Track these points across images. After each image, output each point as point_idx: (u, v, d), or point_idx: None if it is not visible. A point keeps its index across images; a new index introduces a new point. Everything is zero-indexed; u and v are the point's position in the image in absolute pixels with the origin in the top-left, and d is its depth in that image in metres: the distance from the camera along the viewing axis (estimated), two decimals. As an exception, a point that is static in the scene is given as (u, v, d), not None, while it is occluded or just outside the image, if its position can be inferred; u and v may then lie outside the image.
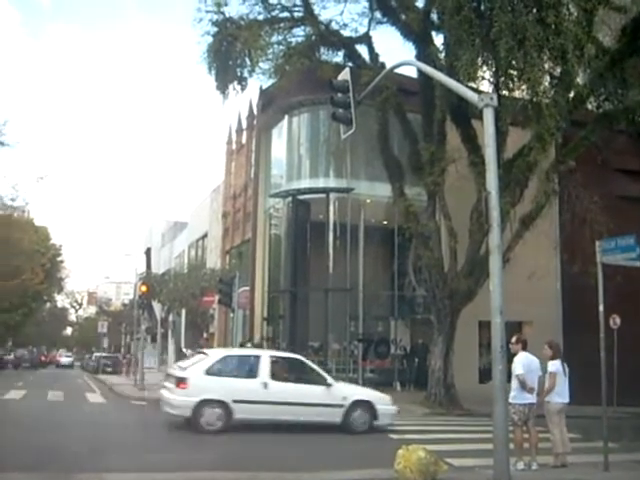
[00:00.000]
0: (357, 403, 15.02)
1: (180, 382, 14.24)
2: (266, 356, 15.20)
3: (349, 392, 15.52)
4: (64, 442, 11.61)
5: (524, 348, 11.38)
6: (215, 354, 15.72)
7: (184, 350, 37.86)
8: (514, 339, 11.41)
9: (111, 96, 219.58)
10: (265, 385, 14.32)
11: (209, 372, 14.45)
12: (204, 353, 16.22)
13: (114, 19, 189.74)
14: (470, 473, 10.50)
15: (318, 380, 15.30)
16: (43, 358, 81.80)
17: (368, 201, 28.02)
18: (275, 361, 15.43)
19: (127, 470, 9.30)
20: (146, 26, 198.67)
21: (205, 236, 45.00)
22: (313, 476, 9.60)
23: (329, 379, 15.54)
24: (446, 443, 13.22)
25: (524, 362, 11.07)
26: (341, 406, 14.92)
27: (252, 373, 14.65)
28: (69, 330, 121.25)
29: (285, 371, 15.64)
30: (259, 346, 25.29)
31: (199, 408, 13.85)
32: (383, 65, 21.24)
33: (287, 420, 14.32)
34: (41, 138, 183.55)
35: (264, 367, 14.64)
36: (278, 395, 14.44)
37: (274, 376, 14.77)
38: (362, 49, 23.10)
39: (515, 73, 17.08)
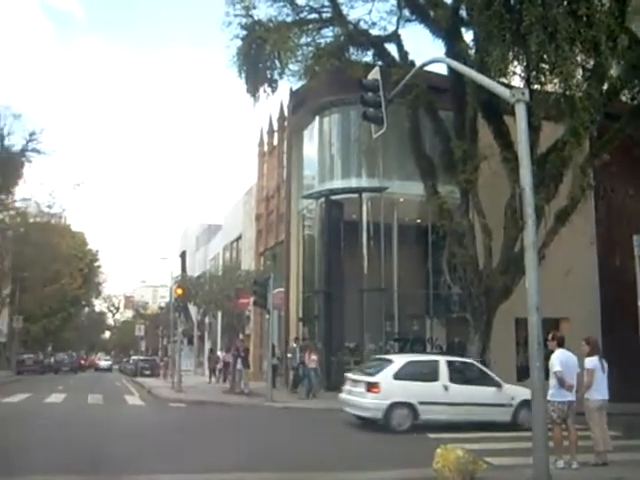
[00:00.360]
0: (524, 403, 15.55)
1: (372, 387, 15.41)
2: (444, 361, 16.19)
3: (517, 393, 16.38)
4: (104, 445, 11.74)
5: (560, 345, 11.25)
6: (400, 360, 16.58)
7: (219, 353, 38.00)
8: (550, 336, 11.28)
9: (145, 101, 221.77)
10: (445, 388, 15.35)
11: (397, 377, 15.62)
12: (388, 360, 17.02)
13: (146, 27, 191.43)
14: (509, 472, 10.40)
15: (490, 382, 16.41)
16: (82, 362, 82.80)
17: (401, 200, 27.92)
18: (452, 365, 16.46)
19: (168, 472, 9.36)
20: (176, 30, 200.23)
21: (239, 238, 45.19)
22: (349, 476, 9.57)
23: (499, 381, 16.54)
24: (484, 442, 13.12)
25: (561, 359, 10.95)
26: (510, 405, 16.06)
27: (433, 377, 15.75)
28: (107, 334, 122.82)
29: (461, 374, 16.58)
30: (304, 348, 25.35)
31: (390, 410, 15.17)
32: (413, 63, 21.12)
33: (464, 419, 15.36)
34: (77, 145, 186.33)
35: (443, 371, 15.77)
36: (456, 396, 15.58)
37: (452, 379, 15.85)
38: (391, 48, 22.99)
39: (547, 67, 16.89)
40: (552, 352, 11.14)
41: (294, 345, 26.96)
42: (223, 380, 34.97)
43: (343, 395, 16.75)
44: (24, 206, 45.21)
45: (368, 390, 15.40)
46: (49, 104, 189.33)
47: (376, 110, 14.15)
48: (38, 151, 40.64)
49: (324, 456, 11.36)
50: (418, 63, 16.96)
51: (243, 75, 23.51)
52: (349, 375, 17.56)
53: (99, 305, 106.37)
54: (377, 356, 19.59)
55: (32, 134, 40.25)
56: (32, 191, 42.19)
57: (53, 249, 49.14)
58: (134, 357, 63.72)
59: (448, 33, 20.71)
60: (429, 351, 27.49)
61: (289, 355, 26.97)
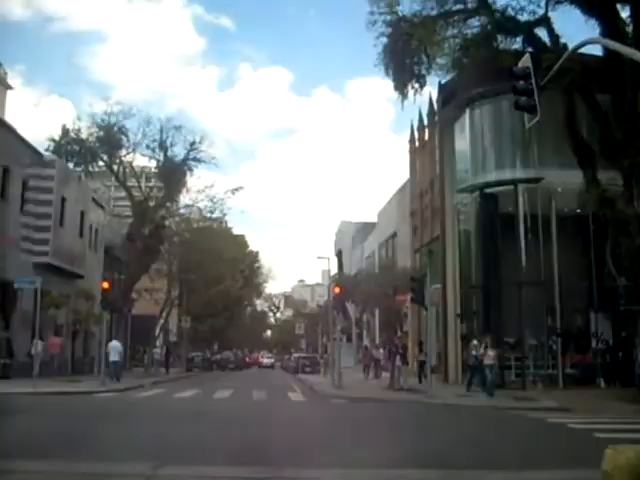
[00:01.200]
0: None
1: None
2: None
3: None
4: (269, 439, 12.06)
5: None
6: None
7: (375, 352, 38.25)
8: None
9: (296, 104, 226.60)
10: None
11: None
12: None
13: (289, 28, 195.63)
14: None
15: None
16: (247, 359, 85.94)
17: (559, 190, 26.98)
18: None
19: (331, 466, 9.47)
20: (320, 30, 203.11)
21: (394, 235, 45.32)
22: (513, 475, 9.32)
23: None
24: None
25: None
26: None
27: None
28: (269, 332, 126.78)
29: None
30: (478, 345, 24.56)
31: None
32: (565, 46, 20.26)
33: None
34: (233, 149, 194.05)
35: None
36: None
37: None
38: (541, 32, 22.19)
39: None
40: None
41: (474, 342, 26.06)
42: (374, 376, 35.78)
43: None
44: (188, 213, 47.57)
45: None
46: (205, 113, 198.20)
47: (529, 98, 13.77)
48: (199, 160, 42.71)
49: (486, 453, 11.14)
50: (570, 46, 16.33)
51: (390, 72, 23.58)
52: None
53: (260, 305, 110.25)
54: None
55: (192, 144, 42.34)
56: (194, 198, 44.15)
57: (216, 252, 51.37)
58: (295, 354, 65.55)
59: (601, 11, 19.76)
60: (594, 347, 26.37)
61: (473, 352, 26.13)
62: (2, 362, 27.74)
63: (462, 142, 30.58)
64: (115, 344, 31.36)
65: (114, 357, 30.45)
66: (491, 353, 22.84)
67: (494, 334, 25.82)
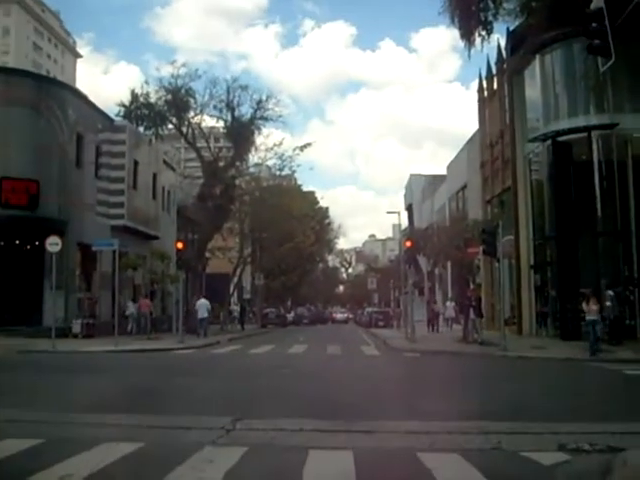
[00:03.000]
0: None
1: None
2: None
3: None
4: (343, 392, 12.23)
5: None
6: None
7: (434, 306, 38.43)
8: None
9: (358, 58, 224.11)
10: None
11: None
12: None
13: None
14: None
15: None
16: (321, 315, 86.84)
17: (635, 135, 26.05)
18: None
19: (407, 418, 9.53)
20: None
21: (464, 187, 44.72)
22: (586, 426, 9.18)
23: None
24: None
25: None
26: None
27: None
28: (341, 288, 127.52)
29: None
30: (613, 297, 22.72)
31: None
32: (642, -16, 19.42)
33: None
34: (298, 108, 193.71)
35: None
36: None
37: None
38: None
39: None
40: None
41: (611, 292, 23.32)
42: (436, 330, 37.60)
43: None
44: (257, 171, 47.86)
45: None
46: (270, 72, 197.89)
47: (602, 41, 13.28)
48: (266, 118, 42.71)
49: (561, 406, 11.02)
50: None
51: (456, 20, 23.02)
52: None
53: (332, 260, 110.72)
54: None
55: (259, 102, 42.31)
56: (263, 156, 44.28)
57: (286, 210, 51.68)
58: (368, 309, 65.92)
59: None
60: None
61: (608, 303, 24.18)
62: (86, 322, 28.85)
63: (532, 90, 29.78)
64: (203, 301, 32.22)
65: (202, 314, 31.30)
66: (594, 307, 20.79)
67: (569, 285, 25.36)
